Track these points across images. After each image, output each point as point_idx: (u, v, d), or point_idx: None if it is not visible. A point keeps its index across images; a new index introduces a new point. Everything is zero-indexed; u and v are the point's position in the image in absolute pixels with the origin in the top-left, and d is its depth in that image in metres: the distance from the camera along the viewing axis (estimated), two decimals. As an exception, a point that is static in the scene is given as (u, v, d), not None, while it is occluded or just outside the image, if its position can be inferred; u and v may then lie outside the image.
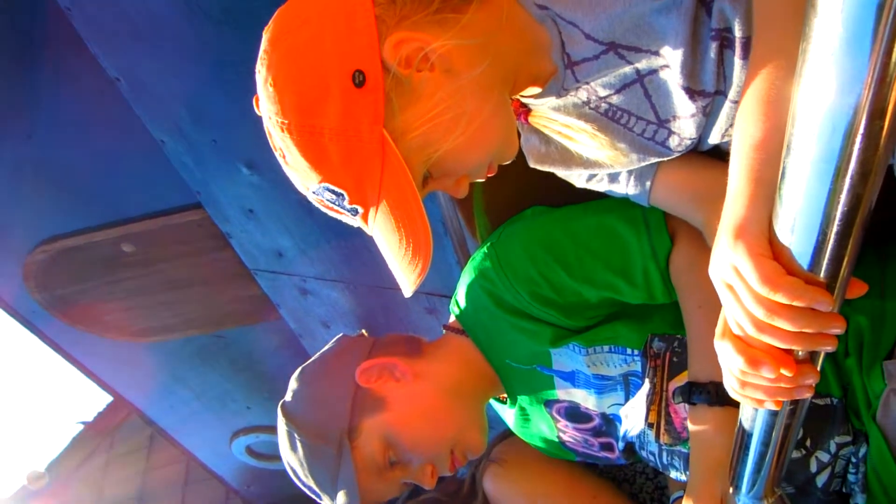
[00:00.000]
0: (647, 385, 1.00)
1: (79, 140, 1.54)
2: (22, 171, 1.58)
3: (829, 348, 0.53)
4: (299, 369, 1.15)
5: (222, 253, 1.74)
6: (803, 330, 0.51)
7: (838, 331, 0.51)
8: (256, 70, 0.75)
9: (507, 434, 1.32)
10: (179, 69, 1.32)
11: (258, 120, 0.78)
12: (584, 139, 0.87)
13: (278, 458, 1.11)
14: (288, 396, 1.12)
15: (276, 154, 0.78)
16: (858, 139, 0.39)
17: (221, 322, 2.04)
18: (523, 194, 1.12)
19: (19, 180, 1.61)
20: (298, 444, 1.05)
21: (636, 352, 1.01)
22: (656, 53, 0.75)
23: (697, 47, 0.73)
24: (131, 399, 2.26)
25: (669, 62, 0.75)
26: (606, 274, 0.99)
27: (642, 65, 0.77)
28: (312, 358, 1.17)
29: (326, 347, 1.18)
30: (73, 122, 1.52)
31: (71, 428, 3.91)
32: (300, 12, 0.74)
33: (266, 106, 0.75)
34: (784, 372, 0.54)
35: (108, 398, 2.71)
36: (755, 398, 0.59)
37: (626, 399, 1.05)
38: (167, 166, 1.52)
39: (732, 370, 0.59)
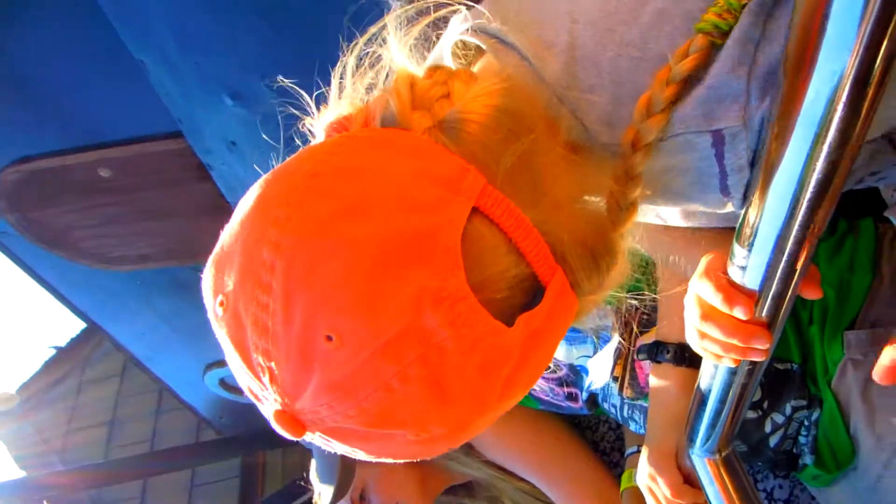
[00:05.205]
0: (615, 339, 1.02)
1: (54, 57, 1.49)
2: (-7, 87, 1.52)
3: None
4: None
5: (202, 185, 1.71)
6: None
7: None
8: None
9: None
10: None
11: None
12: None
13: (250, 391, 1.13)
14: None
15: None
16: (840, 106, 0.40)
17: (199, 255, 2.01)
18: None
19: (-9, 97, 1.55)
20: None
21: (608, 306, 1.03)
22: None
23: None
24: (103, 325, 2.25)
25: None
26: None
27: None
28: None
29: None
30: (48, 37, 1.46)
31: (43, 352, 3.90)
32: None
33: None
34: (738, 313, 0.57)
35: (82, 324, 2.70)
36: (712, 352, 0.62)
37: (595, 352, 1.07)
38: (148, 90, 1.47)
39: (693, 320, 0.62)
